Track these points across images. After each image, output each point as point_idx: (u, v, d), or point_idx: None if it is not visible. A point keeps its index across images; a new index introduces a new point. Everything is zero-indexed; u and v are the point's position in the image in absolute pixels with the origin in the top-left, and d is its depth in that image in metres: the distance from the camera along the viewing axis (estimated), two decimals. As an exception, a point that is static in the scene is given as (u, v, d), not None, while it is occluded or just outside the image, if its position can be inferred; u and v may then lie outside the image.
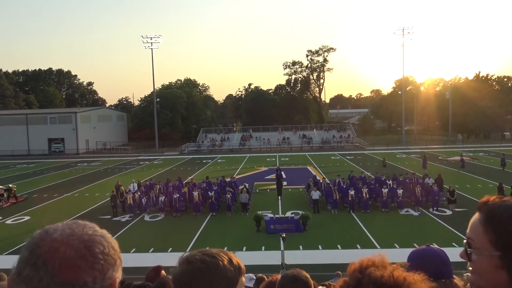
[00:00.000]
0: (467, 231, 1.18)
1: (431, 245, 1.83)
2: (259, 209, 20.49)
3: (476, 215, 1.17)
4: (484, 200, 1.17)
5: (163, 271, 4.32)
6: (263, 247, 15.68)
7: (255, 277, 5.53)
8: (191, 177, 31.08)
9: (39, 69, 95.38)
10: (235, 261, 1.26)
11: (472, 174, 31.36)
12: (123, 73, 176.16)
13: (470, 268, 1.16)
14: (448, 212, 20.10)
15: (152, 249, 15.83)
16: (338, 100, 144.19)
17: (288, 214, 19.69)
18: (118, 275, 1.01)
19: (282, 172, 28.26)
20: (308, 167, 38.62)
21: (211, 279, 1.19)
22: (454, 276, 1.77)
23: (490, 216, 1.12)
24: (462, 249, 1.20)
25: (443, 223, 18.27)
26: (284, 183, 26.82)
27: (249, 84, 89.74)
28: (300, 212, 19.30)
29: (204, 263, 1.20)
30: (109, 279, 0.97)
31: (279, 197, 23.53)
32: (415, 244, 13.92)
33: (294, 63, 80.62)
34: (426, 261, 1.69)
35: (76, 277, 0.90)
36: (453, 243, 14.58)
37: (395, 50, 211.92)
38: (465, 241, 1.18)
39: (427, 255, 1.75)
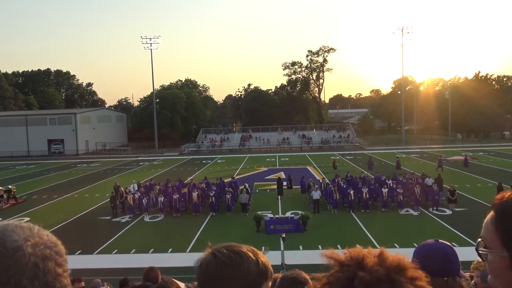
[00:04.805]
0: (482, 230, 1.08)
1: (439, 240, 1.72)
2: (259, 209, 20.49)
3: (490, 213, 1.06)
4: (498, 197, 1.05)
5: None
6: (263, 247, 15.63)
7: None
8: (191, 177, 31.08)
9: (38, 70, 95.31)
10: (262, 263, 1.22)
11: (471, 173, 31.38)
12: (122, 74, 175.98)
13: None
14: (448, 212, 20.11)
15: (152, 249, 15.83)
16: (338, 100, 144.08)
17: (288, 214, 19.69)
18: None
19: (282, 173, 28.21)
20: (308, 167, 38.62)
21: (230, 277, 1.17)
22: (462, 274, 1.65)
23: (500, 214, 1.01)
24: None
25: (443, 223, 18.28)
26: (284, 183, 26.78)
27: (249, 85, 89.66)
28: (300, 212, 19.30)
29: (228, 260, 1.18)
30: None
31: (279, 196, 23.54)
32: (415, 244, 13.89)
33: (293, 64, 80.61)
34: (427, 257, 1.60)
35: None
36: (453, 243, 14.46)
37: (394, 50, 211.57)
38: (479, 240, 1.08)
39: (428, 251, 1.66)
